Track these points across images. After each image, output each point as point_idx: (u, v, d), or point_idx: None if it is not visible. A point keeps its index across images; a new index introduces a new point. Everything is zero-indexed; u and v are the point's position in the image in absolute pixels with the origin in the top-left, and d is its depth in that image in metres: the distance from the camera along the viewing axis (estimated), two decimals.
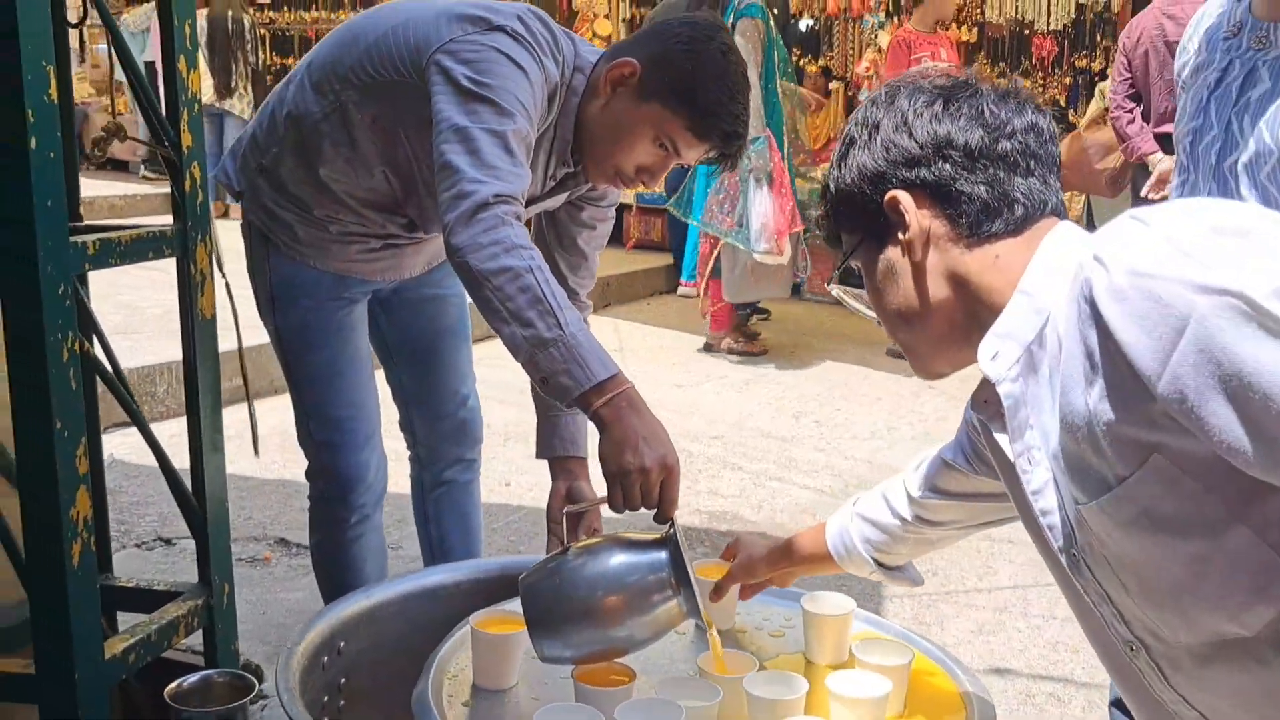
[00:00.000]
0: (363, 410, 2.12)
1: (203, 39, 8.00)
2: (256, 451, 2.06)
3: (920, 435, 4.55)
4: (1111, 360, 0.93)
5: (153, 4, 9.08)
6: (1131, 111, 4.74)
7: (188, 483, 1.99)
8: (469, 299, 2.28)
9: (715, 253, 5.46)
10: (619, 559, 1.42)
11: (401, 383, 2.29)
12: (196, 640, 2.06)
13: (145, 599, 2.08)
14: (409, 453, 2.36)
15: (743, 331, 5.83)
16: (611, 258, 6.52)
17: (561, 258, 2.05)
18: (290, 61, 10.12)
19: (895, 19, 7.39)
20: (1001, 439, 1.15)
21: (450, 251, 1.60)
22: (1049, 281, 1.07)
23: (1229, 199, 1.64)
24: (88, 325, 1.91)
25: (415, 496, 2.36)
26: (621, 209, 2.24)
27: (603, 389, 1.51)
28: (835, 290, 1.28)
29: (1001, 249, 1.12)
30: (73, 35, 1.99)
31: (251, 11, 9.43)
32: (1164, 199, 4.37)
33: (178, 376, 4.28)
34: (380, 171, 1.93)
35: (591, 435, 1.95)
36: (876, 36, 7.53)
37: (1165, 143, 4.58)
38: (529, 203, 1.81)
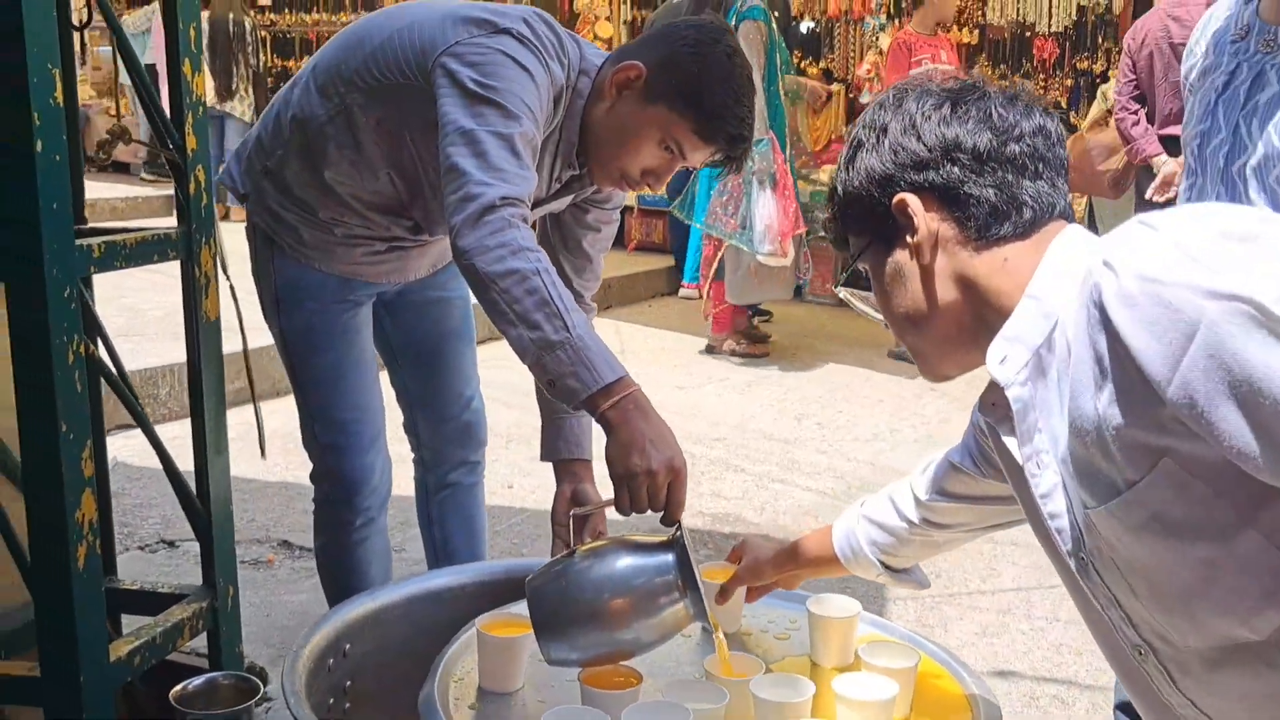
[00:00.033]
0: (368, 413, 2.12)
1: (204, 41, 7.99)
2: (263, 454, 2.06)
3: (923, 437, 4.54)
4: (1121, 365, 0.93)
5: (153, 6, 9.12)
6: (1136, 113, 4.74)
7: (191, 485, 2.00)
8: (473, 301, 2.30)
9: (719, 255, 5.46)
10: (626, 562, 1.41)
11: (406, 385, 2.29)
12: (200, 643, 2.06)
13: (149, 602, 2.08)
14: (413, 455, 2.36)
15: (751, 335, 5.84)
16: (613, 260, 6.54)
17: (566, 260, 2.05)
18: (291, 64, 10.14)
19: (896, 21, 7.39)
20: (1010, 442, 1.15)
21: (457, 254, 1.60)
22: (1057, 285, 1.07)
23: (1238, 202, 1.64)
24: (92, 328, 1.92)
25: (419, 499, 2.36)
26: (623, 211, 2.25)
27: (610, 391, 1.51)
28: (842, 292, 1.28)
29: (1010, 252, 1.12)
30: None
31: (252, 14, 9.44)
32: (1169, 201, 4.37)
33: (180, 379, 4.28)
34: (385, 174, 1.93)
35: (597, 438, 1.96)
36: (878, 39, 7.53)
37: (1170, 145, 4.58)
38: (534, 205, 1.81)
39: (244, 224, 2.10)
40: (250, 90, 8.69)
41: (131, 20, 9.47)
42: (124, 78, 9.29)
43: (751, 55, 4.85)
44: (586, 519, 1.78)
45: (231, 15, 8.48)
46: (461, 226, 1.58)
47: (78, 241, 1.66)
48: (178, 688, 1.57)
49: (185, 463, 1.97)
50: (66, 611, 1.65)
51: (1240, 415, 0.87)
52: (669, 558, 1.41)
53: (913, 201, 1.14)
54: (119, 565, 2.34)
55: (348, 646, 1.68)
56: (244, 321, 1.98)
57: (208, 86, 8.25)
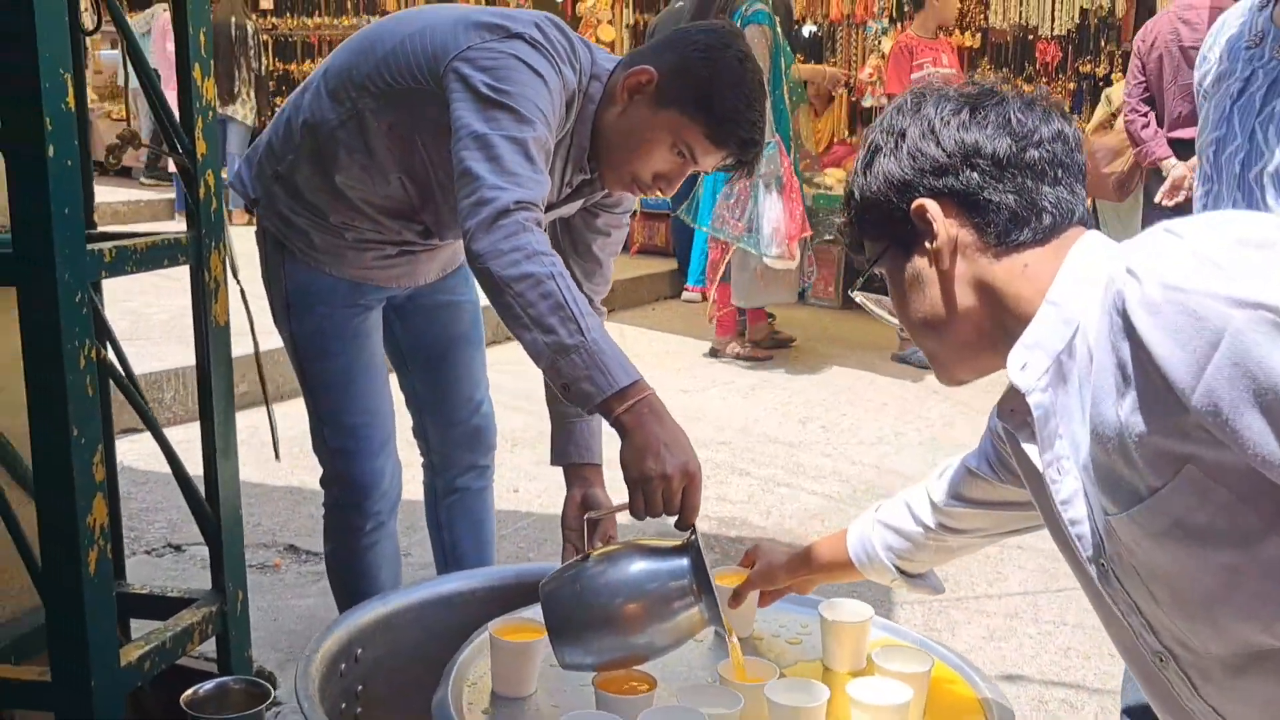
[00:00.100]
0: (377, 417, 2.12)
1: None
2: (277, 455, 2.06)
3: (927, 440, 4.54)
4: (1144, 372, 0.93)
5: (151, 10, 9.12)
6: (1146, 115, 4.74)
7: (199, 489, 1.99)
8: (483, 305, 2.30)
9: (726, 258, 5.47)
10: (640, 566, 1.41)
11: (415, 389, 2.28)
12: (208, 648, 2.06)
13: (158, 606, 2.08)
14: (422, 459, 2.36)
15: (774, 339, 5.86)
16: (615, 263, 6.54)
17: (576, 264, 2.05)
18: (293, 68, 10.15)
19: (898, 25, 7.39)
20: (1029, 449, 1.15)
21: (471, 258, 1.60)
22: (1077, 291, 1.07)
23: (1254, 209, 1.64)
24: (102, 332, 1.91)
25: (428, 503, 2.36)
26: None
27: (624, 395, 1.51)
28: (858, 297, 1.28)
29: (1030, 258, 1.12)
30: None
31: (254, 17, 9.45)
32: (1178, 205, 4.37)
33: (184, 382, 4.28)
34: (397, 178, 1.93)
35: (607, 442, 1.96)
36: (880, 43, 7.54)
37: (1179, 147, 4.59)
38: (545, 210, 1.81)
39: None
40: (252, 94, 8.70)
41: (134, 23, 9.47)
42: (123, 81, 9.32)
43: (757, 59, 4.85)
44: (598, 523, 1.78)
45: (234, 19, 8.49)
46: (476, 230, 1.58)
47: (89, 246, 1.66)
48: (188, 692, 1.57)
49: (191, 467, 1.97)
50: (78, 616, 1.65)
51: (1265, 423, 0.87)
52: (683, 562, 1.41)
53: (932, 207, 1.13)
54: (126, 569, 2.34)
55: (359, 651, 1.68)
56: (255, 325, 1.98)
57: None
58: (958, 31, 7.38)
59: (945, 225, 1.13)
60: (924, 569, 1.55)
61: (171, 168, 8.73)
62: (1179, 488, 0.95)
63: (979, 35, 7.61)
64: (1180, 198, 4.39)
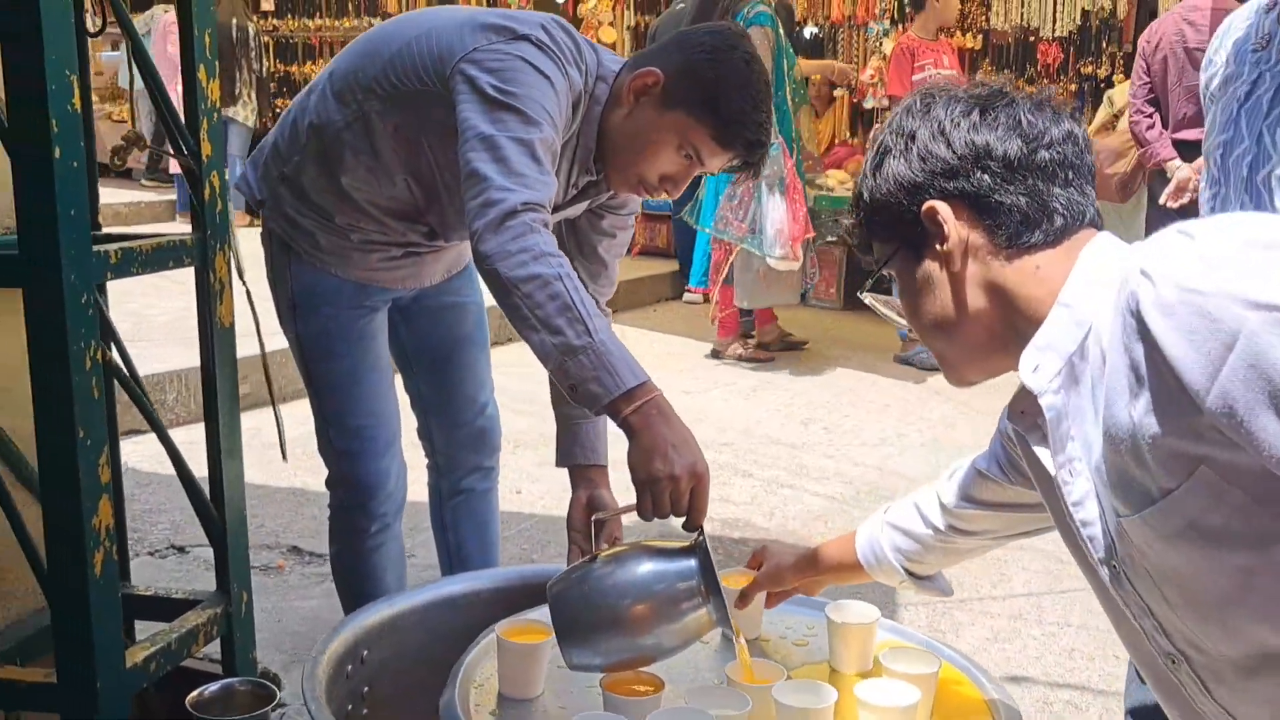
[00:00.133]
0: (383, 418, 2.12)
1: None
2: (284, 456, 2.06)
3: (929, 442, 4.54)
4: (1158, 374, 0.93)
5: (150, 12, 9.12)
6: (1151, 116, 4.73)
7: (203, 491, 1.99)
8: (487, 307, 2.30)
9: (730, 259, 5.47)
10: (647, 567, 1.41)
11: (420, 391, 2.28)
12: (212, 649, 2.06)
13: (163, 607, 2.08)
14: (426, 461, 2.35)
15: (786, 342, 5.88)
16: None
17: (582, 265, 2.05)
18: (294, 69, 10.15)
19: (900, 26, 7.39)
20: (1040, 451, 1.15)
21: (479, 259, 1.60)
22: (1089, 293, 1.07)
23: (1262, 211, 1.64)
24: (106, 334, 1.91)
25: (433, 505, 2.36)
26: None
27: (632, 396, 1.51)
28: (867, 298, 1.27)
29: (1041, 260, 1.12)
30: None
31: (255, 19, 9.44)
32: (1183, 207, 4.37)
33: (187, 384, 4.28)
34: (402, 180, 1.93)
35: (613, 443, 1.95)
36: (881, 44, 7.54)
37: (1183, 149, 4.58)
38: (552, 211, 1.81)
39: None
40: (253, 95, 8.70)
41: (135, 24, 9.46)
42: (123, 82, 9.32)
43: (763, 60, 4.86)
44: (604, 524, 1.78)
45: (235, 20, 8.49)
46: (483, 232, 1.58)
47: (94, 248, 1.66)
48: (194, 693, 1.57)
49: (194, 468, 1.96)
50: (83, 618, 1.65)
51: None
52: (691, 563, 1.41)
53: (943, 209, 1.13)
54: (130, 571, 2.33)
55: (365, 653, 1.68)
56: (261, 326, 1.98)
57: None
58: (959, 33, 7.39)
59: (956, 227, 1.13)
60: (932, 571, 1.55)
61: (173, 169, 8.76)
62: (1193, 489, 0.95)
63: (980, 37, 7.61)
64: (1185, 200, 4.38)
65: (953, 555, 1.52)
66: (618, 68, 1.85)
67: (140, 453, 3.62)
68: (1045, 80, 7.30)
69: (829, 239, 6.29)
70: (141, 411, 1.93)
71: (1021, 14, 7.35)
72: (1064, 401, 1.09)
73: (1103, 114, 5.74)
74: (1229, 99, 1.73)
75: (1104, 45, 7.23)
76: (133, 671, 1.76)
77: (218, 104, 1.95)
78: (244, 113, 8.55)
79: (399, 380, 2.26)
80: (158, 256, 1.84)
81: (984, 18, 7.57)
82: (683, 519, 1.52)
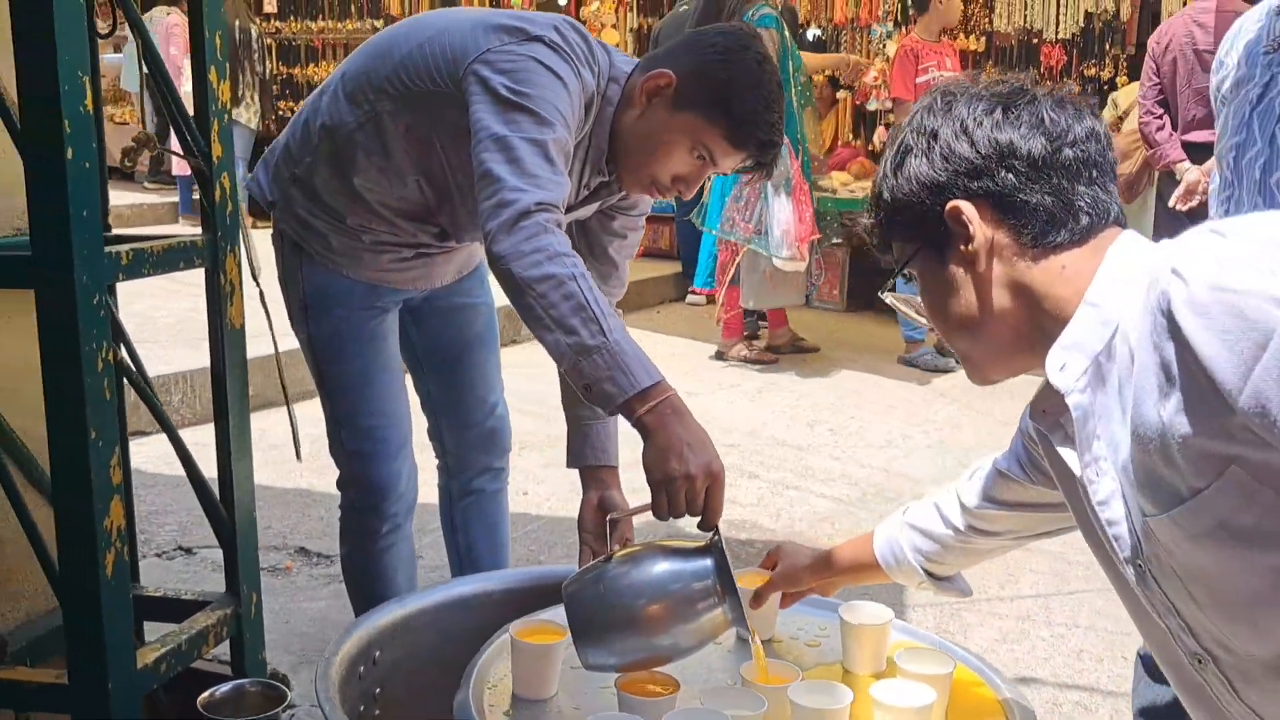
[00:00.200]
0: (394, 419, 2.12)
1: None
2: (299, 457, 2.05)
3: (935, 444, 4.54)
4: (1190, 373, 0.93)
5: (151, 13, 9.12)
6: (1161, 118, 4.73)
7: (210, 492, 1.99)
8: (497, 308, 2.30)
9: (736, 260, 5.48)
10: (663, 566, 1.41)
11: (430, 392, 2.28)
12: (221, 650, 2.05)
13: (173, 608, 2.07)
14: (437, 462, 2.35)
15: (797, 346, 5.89)
16: None
17: (593, 267, 2.05)
18: (297, 71, 10.16)
19: (903, 28, 7.39)
20: (1064, 450, 1.14)
21: (492, 260, 1.60)
22: (1116, 291, 1.06)
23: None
24: (117, 335, 1.91)
25: (443, 505, 2.36)
26: None
27: (646, 396, 1.51)
28: (888, 298, 1.27)
29: (1067, 259, 1.11)
30: None
31: (258, 21, 9.45)
32: (1191, 209, 4.37)
33: (192, 385, 4.28)
34: (414, 180, 1.93)
35: (624, 443, 1.95)
36: (885, 46, 7.54)
37: (1193, 151, 4.58)
38: (564, 212, 1.81)
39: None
40: (256, 97, 8.70)
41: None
42: (125, 84, 9.32)
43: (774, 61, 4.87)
44: (617, 524, 1.77)
45: (238, 22, 8.49)
46: (497, 232, 1.58)
47: (106, 249, 1.66)
48: (205, 694, 1.57)
49: (204, 470, 1.96)
50: (95, 619, 1.65)
51: None
52: (707, 563, 1.41)
53: (967, 209, 1.12)
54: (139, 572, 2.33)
55: (378, 653, 1.68)
56: (274, 327, 1.97)
57: None
58: (962, 35, 7.39)
59: (981, 228, 1.12)
60: (952, 572, 1.55)
61: (175, 171, 8.77)
62: (1223, 489, 0.95)
63: (983, 39, 7.62)
64: (1194, 202, 4.38)
65: (973, 556, 1.52)
66: (630, 69, 1.86)
67: (146, 454, 3.62)
68: (1048, 82, 7.29)
69: (834, 240, 6.28)
70: (152, 412, 1.93)
71: (1024, 16, 7.36)
72: (1090, 400, 1.08)
73: (1107, 115, 5.75)
74: (1241, 101, 1.73)
75: (1107, 47, 7.24)
76: (143, 672, 1.76)
77: (228, 105, 1.95)
78: (247, 115, 8.55)
79: (409, 381, 2.26)
80: (168, 258, 1.84)
81: (987, 20, 7.58)
82: (697, 519, 1.52)
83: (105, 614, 1.65)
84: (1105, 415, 1.07)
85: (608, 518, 1.59)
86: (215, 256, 1.92)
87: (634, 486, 1.94)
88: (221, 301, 1.94)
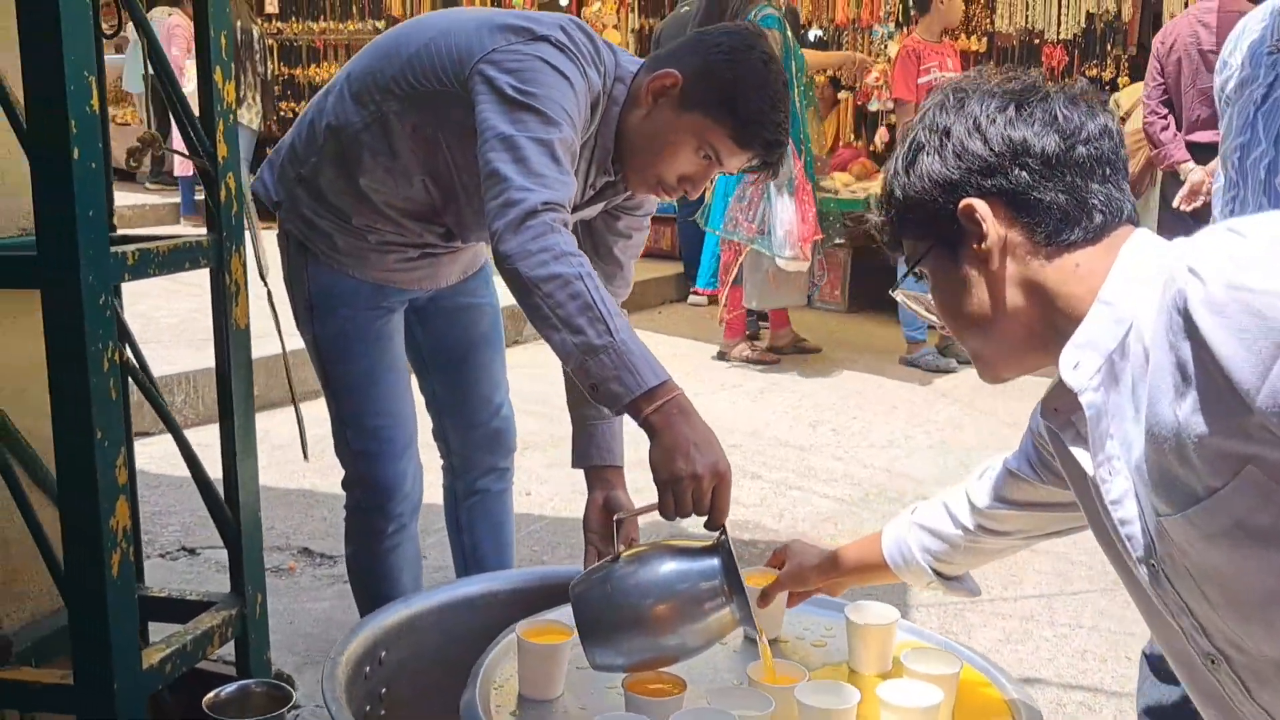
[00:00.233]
0: (400, 419, 2.12)
1: None
2: (306, 456, 2.05)
3: (937, 444, 4.54)
4: (1206, 372, 0.92)
5: (152, 14, 9.12)
6: (1166, 118, 4.72)
7: (214, 493, 1.99)
8: (502, 308, 2.30)
9: (739, 260, 5.48)
10: (670, 566, 1.41)
11: (435, 392, 2.28)
12: (225, 651, 2.05)
13: (177, 609, 2.07)
14: (442, 462, 2.35)
15: (800, 347, 5.89)
16: None
17: (598, 267, 2.03)
18: (298, 72, 10.15)
19: (904, 29, 7.39)
20: (1076, 450, 1.14)
21: (499, 259, 1.60)
22: (1130, 290, 1.06)
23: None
24: (122, 335, 1.91)
25: (448, 506, 2.36)
26: None
27: (653, 395, 1.51)
28: (898, 295, 1.26)
29: (1081, 258, 1.11)
30: None
31: (260, 22, 9.45)
32: (1195, 210, 4.37)
33: (195, 386, 4.28)
34: (420, 180, 1.93)
35: (629, 443, 1.95)
36: (886, 47, 7.54)
37: (1197, 151, 4.58)
38: (570, 211, 1.82)
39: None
40: (257, 98, 8.69)
41: (131, 29, 9.44)
42: (127, 85, 9.32)
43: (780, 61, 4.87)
44: (623, 525, 1.77)
45: (239, 23, 8.49)
46: (504, 232, 1.58)
47: (112, 249, 1.66)
48: (210, 695, 1.57)
49: (207, 471, 1.96)
50: (101, 619, 1.65)
51: None
52: (714, 562, 1.41)
53: (980, 207, 1.12)
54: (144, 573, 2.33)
55: (384, 654, 1.68)
56: (281, 327, 1.98)
57: None
58: (963, 36, 7.38)
59: (995, 226, 1.12)
60: (960, 571, 1.54)
61: (177, 171, 8.77)
62: (1240, 489, 0.94)
63: (985, 39, 7.62)
64: (1198, 203, 4.38)
65: (982, 556, 1.51)
66: (635, 69, 1.86)
67: (148, 454, 3.62)
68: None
69: (837, 241, 6.28)
70: (158, 412, 1.93)
71: (1026, 17, 7.35)
72: (1103, 399, 1.07)
73: None
74: (1245, 102, 1.73)
75: (1108, 48, 7.23)
76: (149, 673, 1.76)
77: (234, 106, 1.95)
78: (248, 116, 8.55)
79: (414, 382, 2.26)
80: (174, 258, 1.84)
81: (988, 20, 7.57)
82: (704, 518, 1.52)
83: (111, 614, 1.65)
84: (1118, 414, 1.07)
85: (614, 518, 1.59)
86: (220, 256, 1.92)
87: (637, 486, 1.94)
88: (227, 302, 1.94)
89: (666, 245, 7.88)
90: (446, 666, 1.64)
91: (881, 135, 7.42)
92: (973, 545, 1.48)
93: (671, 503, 1.50)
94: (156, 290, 5.04)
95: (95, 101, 1.58)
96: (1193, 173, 4.50)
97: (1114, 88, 6.85)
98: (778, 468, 4.17)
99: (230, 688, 1.61)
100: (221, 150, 1.92)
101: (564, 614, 1.54)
